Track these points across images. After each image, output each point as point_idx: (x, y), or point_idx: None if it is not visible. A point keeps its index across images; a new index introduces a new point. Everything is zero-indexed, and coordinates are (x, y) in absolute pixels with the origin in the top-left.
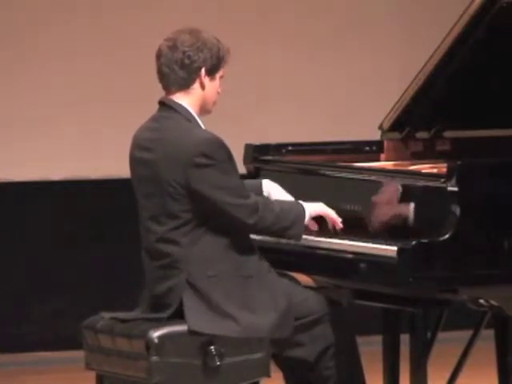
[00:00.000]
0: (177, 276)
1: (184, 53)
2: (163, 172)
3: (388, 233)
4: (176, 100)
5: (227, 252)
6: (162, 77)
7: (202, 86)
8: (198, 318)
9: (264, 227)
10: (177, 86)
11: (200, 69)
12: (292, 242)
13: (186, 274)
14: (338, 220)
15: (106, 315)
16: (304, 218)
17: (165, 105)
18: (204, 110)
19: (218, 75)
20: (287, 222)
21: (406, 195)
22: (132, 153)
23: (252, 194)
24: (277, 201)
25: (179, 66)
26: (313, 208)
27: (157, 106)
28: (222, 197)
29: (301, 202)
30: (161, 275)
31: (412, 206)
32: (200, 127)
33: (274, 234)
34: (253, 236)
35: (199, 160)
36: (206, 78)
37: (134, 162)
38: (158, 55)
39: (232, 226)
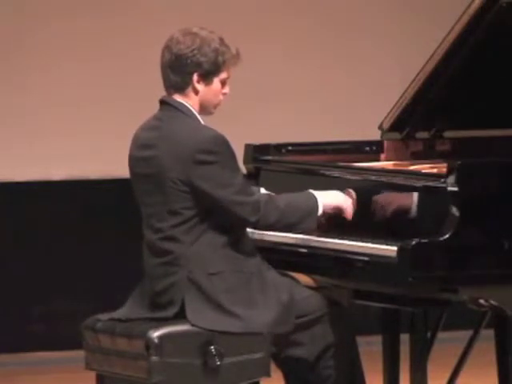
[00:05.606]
0: (177, 273)
1: (176, 55)
2: (166, 169)
3: (388, 233)
4: (176, 99)
5: (227, 250)
6: (162, 77)
7: (195, 91)
8: (200, 315)
9: (267, 225)
10: (173, 89)
11: (192, 73)
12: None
13: (187, 272)
14: (350, 215)
15: (104, 317)
16: (316, 211)
17: (166, 104)
18: (204, 111)
19: (216, 79)
20: (294, 217)
21: (406, 195)
22: (132, 152)
23: (256, 191)
24: (286, 195)
25: (171, 69)
26: (327, 199)
27: (157, 106)
28: (225, 194)
29: (315, 193)
30: (161, 272)
31: (412, 205)
32: (202, 124)
33: (280, 230)
34: (255, 236)
35: (202, 157)
36: (201, 83)
37: (135, 160)
38: (161, 55)
39: (233, 223)
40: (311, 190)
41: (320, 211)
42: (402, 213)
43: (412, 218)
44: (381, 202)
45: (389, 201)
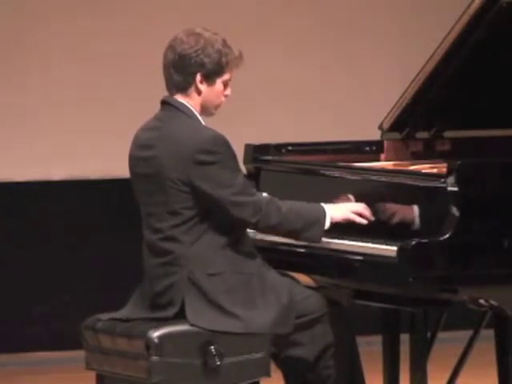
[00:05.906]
0: (177, 273)
1: (179, 55)
2: (165, 169)
3: (388, 232)
4: (178, 99)
5: (228, 250)
6: (164, 77)
7: (198, 91)
8: (200, 315)
9: (268, 226)
10: (175, 89)
11: (195, 74)
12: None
13: (187, 272)
14: (364, 220)
15: (104, 317)
16: (323, 222)
17: (167, 104)
18: (205, 112)
19: (219, 80)
20: (298, 224)
21: (406, 195)
22: (132, 152)
23: (258, 192)
24: (292, 202)
25: (174, 69)
26: (336, 213)
27: (157, 106)
28: (225, 194)
29: (325, 205)
30: (161, 272)
31: (412, 205)
32: (203, 125)
33: (283, 234)
34: (256, 236)
35: (202, 157)
36: (204, 83)
37: (135, 160)
38: (163, 55)
39: (234, 224)
40: (322, 204)
41: (327, 224)
42: (401, 213)
43: (412, 218)
44: (381, 202)
45: (389, 201)
